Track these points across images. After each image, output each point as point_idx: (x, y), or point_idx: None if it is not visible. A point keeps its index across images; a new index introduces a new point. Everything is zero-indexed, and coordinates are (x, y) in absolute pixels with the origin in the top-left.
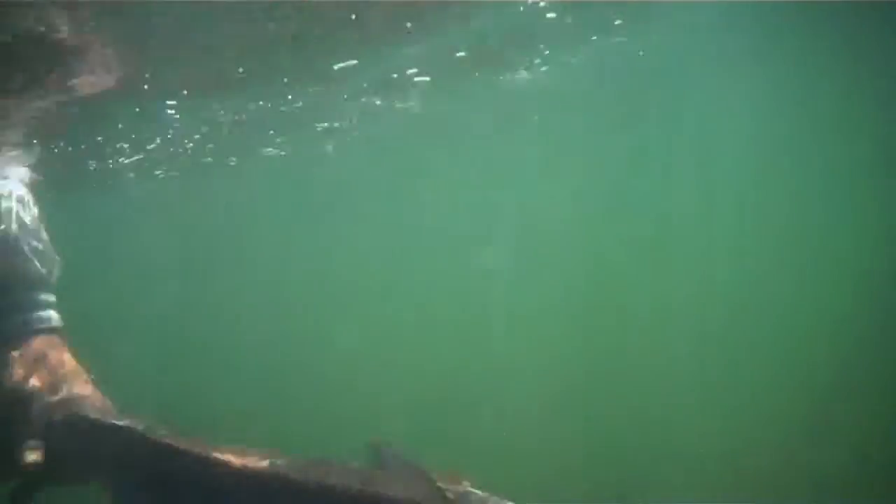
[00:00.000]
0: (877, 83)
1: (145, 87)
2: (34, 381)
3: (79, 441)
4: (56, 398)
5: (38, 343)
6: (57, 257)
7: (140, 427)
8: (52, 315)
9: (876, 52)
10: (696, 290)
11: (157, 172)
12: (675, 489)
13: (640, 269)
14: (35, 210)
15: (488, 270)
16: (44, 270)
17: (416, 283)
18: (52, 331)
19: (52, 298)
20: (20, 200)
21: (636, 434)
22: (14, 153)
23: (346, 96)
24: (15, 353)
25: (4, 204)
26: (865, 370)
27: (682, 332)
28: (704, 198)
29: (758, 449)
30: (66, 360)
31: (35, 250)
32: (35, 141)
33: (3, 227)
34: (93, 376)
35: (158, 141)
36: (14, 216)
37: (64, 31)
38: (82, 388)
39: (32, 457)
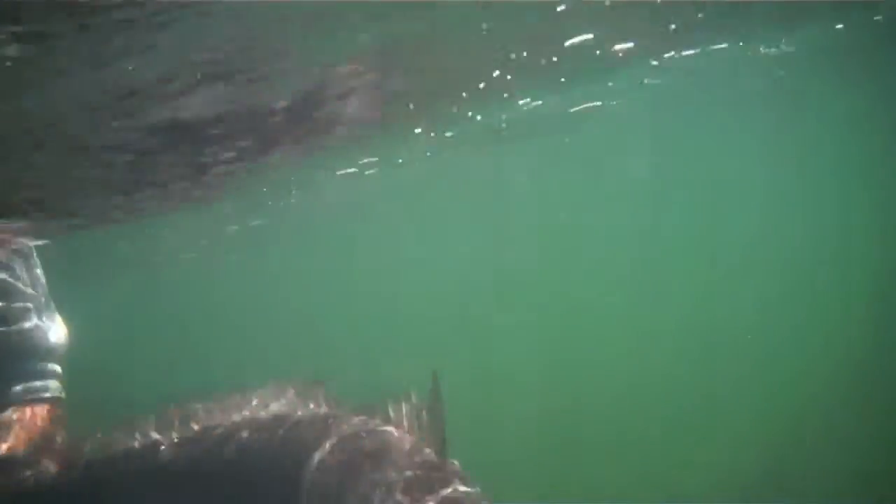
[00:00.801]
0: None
1: None
2: (16, 451)
3: None
4: (30, 471)
5: (24, 413)
6: (64, 329)
7: None
8: (52, 385)
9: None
10: (703, 295)
11: None
12: (676, 489)
13: (650, 275)
14: (44, 282)
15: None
16: (48, 341)
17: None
18: (42, 400)
19: (54, 369)
20: (31, 275)
21: (638, 435)
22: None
23: None
24: (9, 420)
25: (13, 280)
26: (867, 373)
27: (688, 337)
28: (715, 209)
29: (759, 450)
30: (53, 430)
31: (43, 322)
32: None
33: (13, 301)
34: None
35: None
36: (23, 291)
37: None
38: (64, 459)
39: None
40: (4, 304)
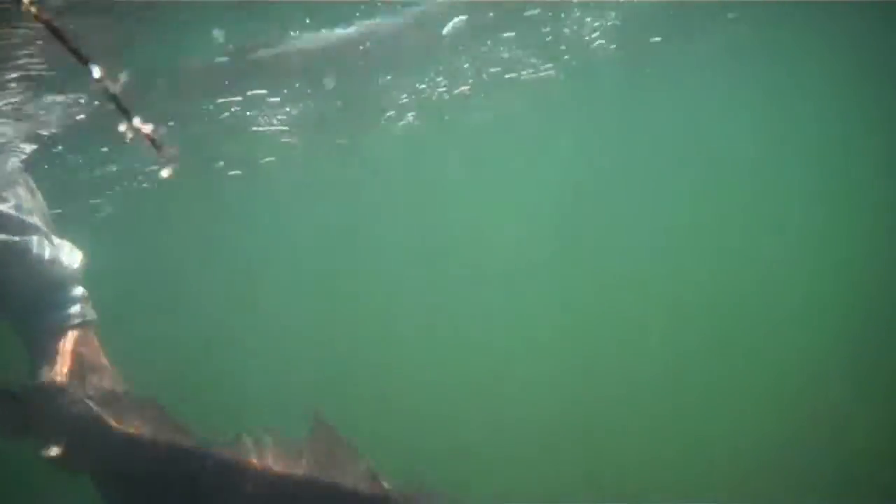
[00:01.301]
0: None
1: None
2: (63, 377)
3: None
4: (81, 393)
5: (71, 338)
6: (78, 251)
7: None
8: (83, 309)
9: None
10: (701, 291)
11: None
12: (678, 490)
13: (648, 270)
14: (46, 210)
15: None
16: (68, 267)
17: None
18: (84, 325)
19: (81, 292)
20: (34, 205)
21: (639, 435)
22: None
23: None
24: (49, 350)
25: (18, 212)
26: (868, 371)
27: (686, 335)
28: (710, 200)
29: (759, 449)
30: (95, 354)
31: (55, 249)
32: None
33: (23, 236)
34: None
35: None
36: (30, 223)
37: None
38: (107, 383)
39: (54, 450)
40: (24, 236)
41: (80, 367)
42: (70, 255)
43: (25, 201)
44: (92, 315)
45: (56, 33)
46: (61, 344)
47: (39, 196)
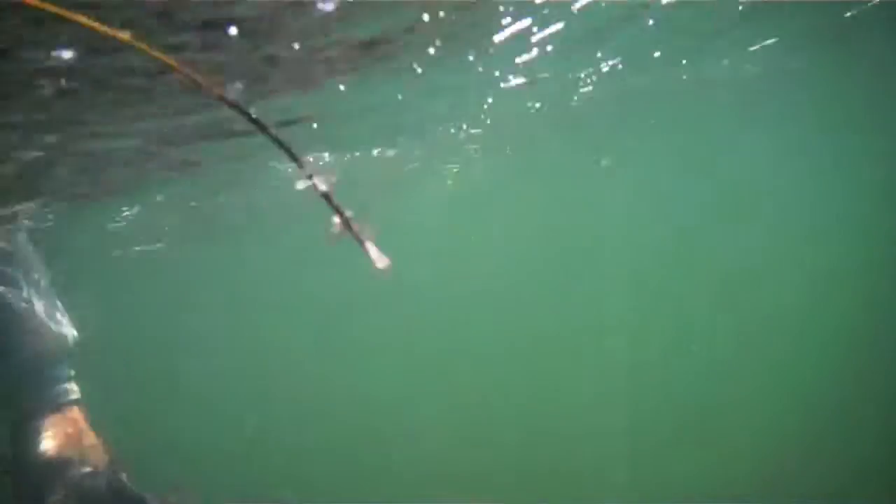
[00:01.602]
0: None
1: None
2: (64, 454)
3: None
4: (83, 470)
5: (63, 416)
6: (73, 331)
7: None
8: (73, 388)
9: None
10: (705, 296)
11: None
12: (681, 491)
13: (650, 273)
14: (47, 285)
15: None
16: (64, 345)
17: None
18: (74, 403)
19: (72, 372)
20: (35, 280)
21: (641, 436)
22: None
23: None
24: (43, 427)
25: (17, 288)
26: (870, 374)
27: (691, 338)
28: (719, 208)
29: (761, 450)
30: (88, 432)
31: (54, 327)
32: None
33: (23, 308)
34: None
35: None
36: (31, 298)
37: None
38: (101, 460)
39: None
40: (28, 304)
41: (75, 445)
42: (66, 333)
43: (36, 270)
44: (78, 394)
45: (276, 141)
46: (61, 420)
47: (42, 266)
